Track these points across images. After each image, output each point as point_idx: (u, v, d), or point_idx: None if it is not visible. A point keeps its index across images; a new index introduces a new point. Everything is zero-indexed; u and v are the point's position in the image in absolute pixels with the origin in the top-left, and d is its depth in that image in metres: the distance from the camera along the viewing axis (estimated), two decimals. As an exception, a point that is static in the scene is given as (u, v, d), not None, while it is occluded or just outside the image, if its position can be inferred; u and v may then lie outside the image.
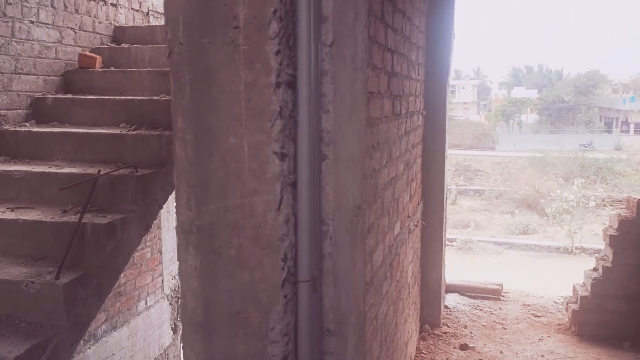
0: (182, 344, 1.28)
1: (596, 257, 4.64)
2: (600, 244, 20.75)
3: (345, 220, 1.38)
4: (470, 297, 5.41)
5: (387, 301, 3.01)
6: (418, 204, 4.29)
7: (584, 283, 4.67)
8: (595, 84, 52.35)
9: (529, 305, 5.21)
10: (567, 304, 4.75)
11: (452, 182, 34.27)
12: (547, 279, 16.96)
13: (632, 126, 44.36)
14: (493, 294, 5.43)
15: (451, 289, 5.50)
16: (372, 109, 2.51)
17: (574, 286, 4.74)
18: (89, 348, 4.32)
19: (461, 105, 64.25)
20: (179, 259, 1.25)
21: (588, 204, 25.43)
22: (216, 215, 1.18)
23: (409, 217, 3.77)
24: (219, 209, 1.18)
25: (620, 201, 28.33)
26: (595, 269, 4.61)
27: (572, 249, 23.04)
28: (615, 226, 4.41)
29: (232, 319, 1.21)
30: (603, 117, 49.43)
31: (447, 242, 19.94)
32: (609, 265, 4.43)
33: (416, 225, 4.11)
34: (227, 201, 1.17)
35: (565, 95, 50.12)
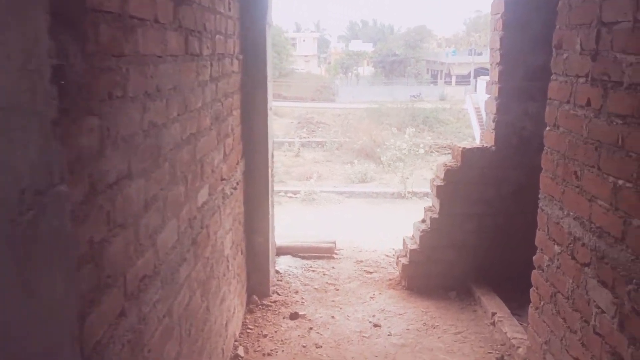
0: None
1: (424, 209, 4.55)
2: (428, 188, 22.46)
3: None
4: (303, 258, 5.08)
5: (190, 287, 2.44)
6: (237, 163, 3.74)
7: (413, 236, 4.57)
8: (422, 38, 56.07)
9: (361, 261, 5.04)
10: (397, 258, 4.63)
11: (295, 134, 34.67)
12: (386, 223, 17.92)
13: (454, 78, 48.54)
14: (326, 253, 5.17)
15: (283, 250, 5.12)
16: (144, 41, 1.84)
17: (404, 239, 4.62)
18: None
19: (302, 58, 64.85)
20: None
21: (418, 151, 27.44)
22: None
23: (223, 179, 3.20)
24: None
25: (445, 147, 30.96)
26: (423, 221, 4.52)
27: (405, 194, 24.75)
28: (442, 176, 4.32)
29: None
30: (430, 70, 53.40)
31: (291, 195, 19.82)
32: (436, 216, 4.35)
33: (234, 188, 3.56)
34: None
35: (397, 48, 52.97)
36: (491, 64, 4.30)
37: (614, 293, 2.24)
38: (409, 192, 23.33)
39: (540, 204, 3.02)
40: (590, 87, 2.45)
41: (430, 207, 4.49)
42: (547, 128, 2.91)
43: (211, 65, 2.90)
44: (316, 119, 37.40)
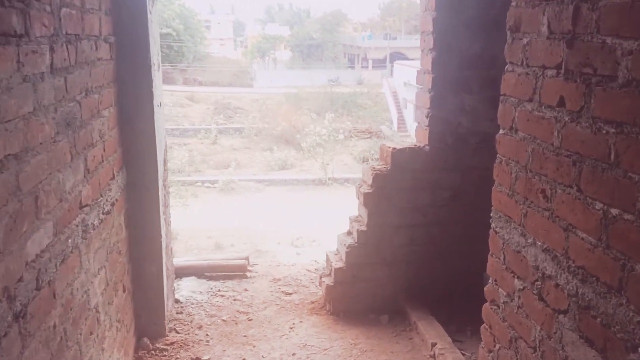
0: None
1: (350, 219, 3.91)
2: (349, 173, 22.31)
3: None
4: (210, 278, 4.28)
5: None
6: (113, 178, 2.89)
7: (337, 251, 3.92)
8: (338, 22, 55.90)
9: (279, 279, 4.32)
10: (320, 277, 3.96)
11: (212, 121, 33.23)
12: (308, 212, 17.40)
13: (370, 62, 48.68)
14: (238, 271, 4.40)
15: (186, 271, 4.31)
16: None
17: (327, 256, 3.96)
18: None
19: (218, 41, 62.59)
20: None
21: (338, 136, 27.12)
22: None
23: (84, 206, 2.36)
24: None
25: (364, 131, 30.88)
26: (349, 233, 3.88)
27: (325, 180, 24.39)
28: (370, 182, 3.68)
29: None
30: (346, 54, 53.31)
31: (209, 185, 18.69)
32: (364, 228, 3.72)
33: (107, 213, 2.72)
34: None
35: (314, 32, 52.40)
36: (422, 50, 3.70)
37: (605, 357, 1.68)
38: (329, 179, 22.99)
39: (493, 225, 2.44)
40: (565, 82, 1.86)
41: (357, 217, 3.85)
42: (501, 131, 2.33)
43: (52, 50, 2.04)
44: (234, 105, 36.10)
